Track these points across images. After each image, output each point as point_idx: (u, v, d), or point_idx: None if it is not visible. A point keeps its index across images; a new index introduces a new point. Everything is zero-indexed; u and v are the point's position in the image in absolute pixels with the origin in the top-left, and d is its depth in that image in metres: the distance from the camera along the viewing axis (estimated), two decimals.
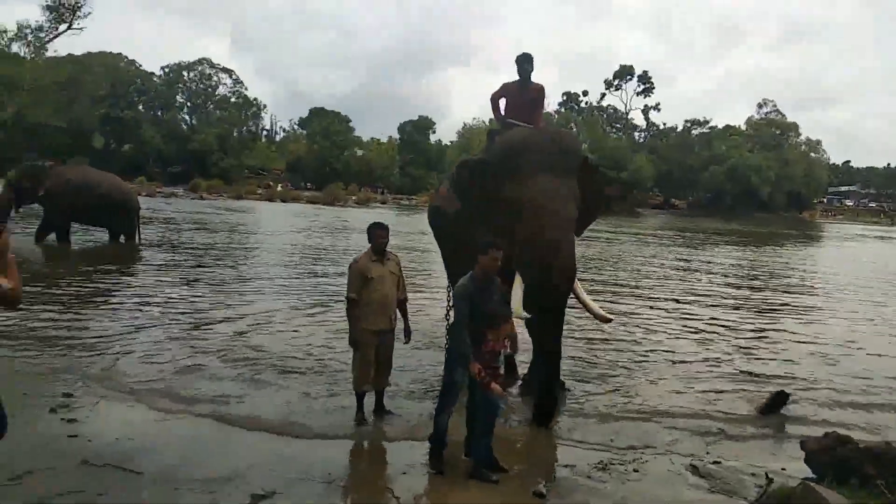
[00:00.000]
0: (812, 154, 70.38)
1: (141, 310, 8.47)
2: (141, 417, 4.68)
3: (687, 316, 10.29)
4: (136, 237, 15.78)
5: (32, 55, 27.76)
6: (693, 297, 12.24)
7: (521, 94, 6.23)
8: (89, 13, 27.71)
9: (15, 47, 27.33)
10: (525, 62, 6.26)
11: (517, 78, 6.28)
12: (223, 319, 8.13)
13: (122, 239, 15.75)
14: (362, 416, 5.00)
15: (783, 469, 4.53)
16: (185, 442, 4.27)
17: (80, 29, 27.82)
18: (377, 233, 4.93)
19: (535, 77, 6.30)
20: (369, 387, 5.05)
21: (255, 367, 6.18)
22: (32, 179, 14.64)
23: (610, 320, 5.61)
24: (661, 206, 71.27)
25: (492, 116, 6.60)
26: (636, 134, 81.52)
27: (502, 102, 6.32)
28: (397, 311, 5.05)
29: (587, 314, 5.57)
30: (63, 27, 27.63)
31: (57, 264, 12.50)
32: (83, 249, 14.93)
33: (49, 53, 29.97)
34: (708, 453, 4.82)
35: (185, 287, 10.38)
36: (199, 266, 12.93)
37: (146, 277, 11.26)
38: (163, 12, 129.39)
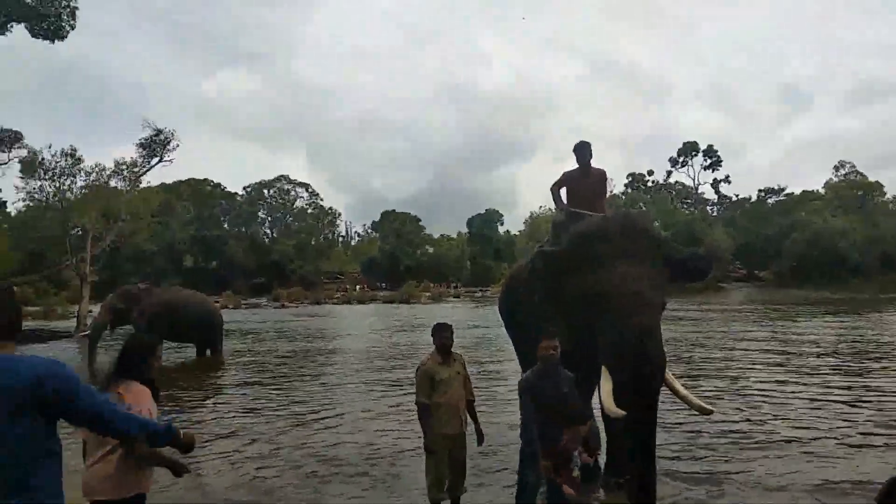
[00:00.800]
0: None
1: (219, 421, 8.77)
2: None
3: (791, 398, 9.69)
4: (220, 350, 16.52)
5: (128, 188, 30.43)
6: (796, 379, 11.46)
7: (583, 182, 6.22)
8: (177, 146, 30.33)
9: (112, 182, 30.06)
10: (583, 149, 6.26)
11: (577, 166, 6.30)
12: (297, 426, 8.33)
13: (208, 352, 16.48)
14: None
15: None
16: None
17: (170, 161, 30.46)
18: (441, 334, 5.01)
19: (600, 162, 6.29)
20: (445, 496, 4.98)
21: (323, 480, 6.23)
22: (127, 301, 15.71)
23: (711, 412, 5.16)
24: (744, 278, 68.48)
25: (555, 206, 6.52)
26: (708, 208, 79.97)
27: (563, 192, 6.33)
28: (467, 413, 5.04)
29: (685, 406, 5.11)
30: (154, 161, 30.32)
31: None
32: (172, 365, 15.66)
33: (143, 185, 32.77)
34: None
35: (263, 397, 10.68)
36: (279, 375, 13.32)
37: (228, 390, 11.73)
38: (244, 137, 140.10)
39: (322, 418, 8.92)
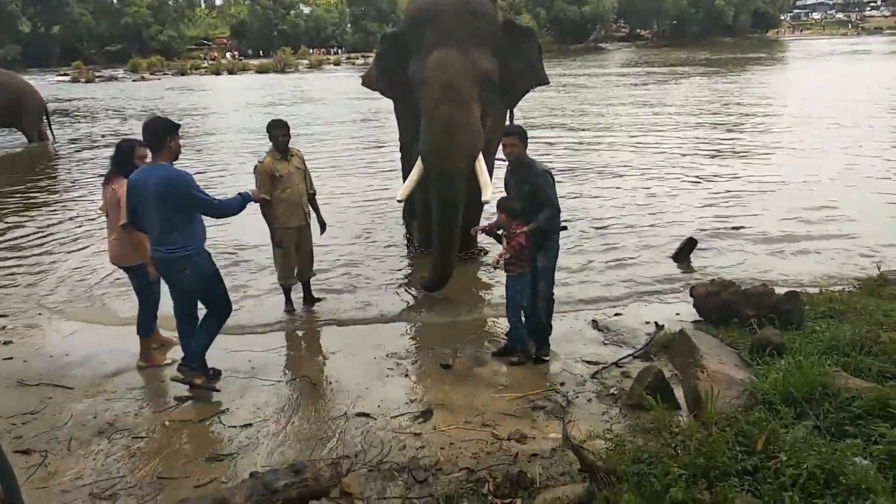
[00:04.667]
0: None
1: (62, 221, 8.47)
2: (72, 333, 4.91)
3: (637, 166, 10.51)
4: (50, 136, 15.31)
5: None
6: (646, 145, 12.28)
7: None
8: None
9: None
10: None
11: None
12: None
13: (47, 139, 15.22)
14: (291, 308, 5.30)
15: (678, 314, 4.97)
16: (114, 353, 4.53)
17: None
18: (277, 132, 4.92)
19: None
20: (294, 280, 5.29)
21: None
22: None
23: (488, 201, 5.11)
24: (626, 38, 69.16)
25: None
26: None
27: None
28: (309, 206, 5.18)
29: None
30: None
31: None
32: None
33: None
34: (614, 306, 5.24)
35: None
36: None
37: (69, 184, 11.09)
38: None
39: None
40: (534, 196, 4.09)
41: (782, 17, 74.73)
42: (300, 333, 5.03)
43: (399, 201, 5.12)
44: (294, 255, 5.17)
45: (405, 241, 6.97)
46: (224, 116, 20.45)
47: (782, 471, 2.36)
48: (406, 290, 5.76)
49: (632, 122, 15.40)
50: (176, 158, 3.77)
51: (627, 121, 15.76)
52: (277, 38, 61.27)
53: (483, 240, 6.52)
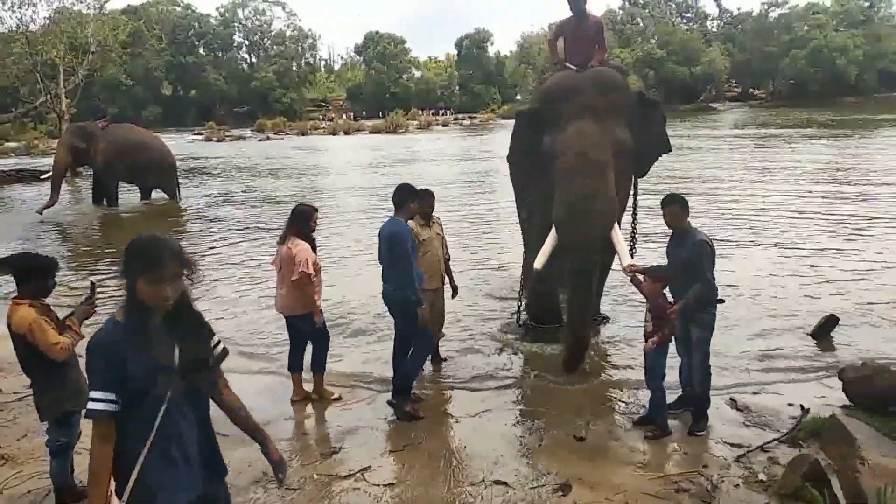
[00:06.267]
0: None
1: (225, 277, 9.16)
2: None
3: (767, 237, 10.14)
4: (177, 195, 15.96)
5: (95, 12, 28.54)
6: (774, 214, 11.73)
7: (578, 31, 5.91)
8: None
9: (76, 9, 28.17)
10: None
11: (571, 14, 5.94)
12: None
13: (175, 197, 15.93)
14: None
15: (823, 397, 4.71)
16: (263, 402, 4.80)
17: None
18: (424, 201, 5.20)
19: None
20: None
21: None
22: (86, 140, 14.70)
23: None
24: (738, 98, 67.34)
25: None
26: (709, 23, 76.50)
27: (560, 43, 6.08)
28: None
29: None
30: None
31: (113, 232, 12.71)
32: (132, 213, 15.12)
33: (107, 10, 30.69)
34: (749, 384, 5.03)
35: (246, 246, 10.80)
36: (270, 224, 12.95)
37: (210, 241, 11.78)
38: None
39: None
40: (689, 266, 4.13)
41: None
42: (430, 395, 5.13)
43: (537, 270, 5.15)
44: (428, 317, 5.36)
45: (517, 308, 6.80)
46: (343, 175, 21.36)
47: None
48: (534, 356, 5.80)
49: (754, 190, 14.79)
50: (412, 217, 4.73)
51: (749, 187, 15.19)
52: (389, 100, 64.44)
53: (607, 305, 6.59)
